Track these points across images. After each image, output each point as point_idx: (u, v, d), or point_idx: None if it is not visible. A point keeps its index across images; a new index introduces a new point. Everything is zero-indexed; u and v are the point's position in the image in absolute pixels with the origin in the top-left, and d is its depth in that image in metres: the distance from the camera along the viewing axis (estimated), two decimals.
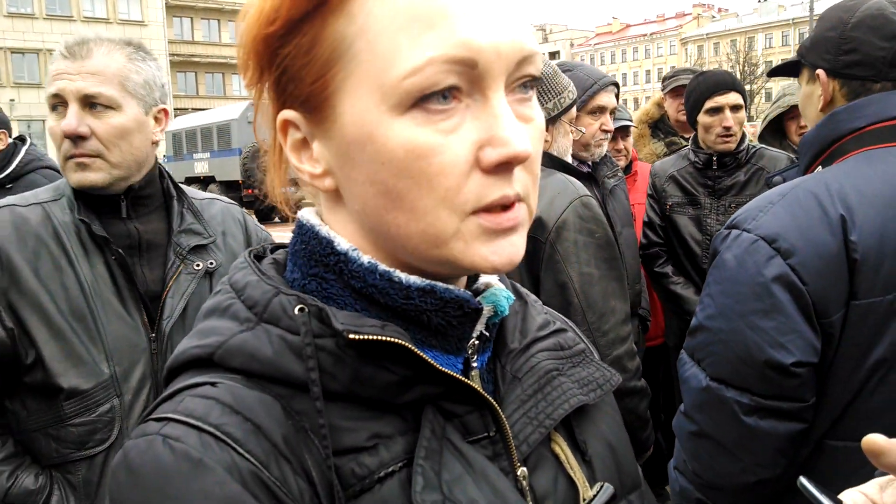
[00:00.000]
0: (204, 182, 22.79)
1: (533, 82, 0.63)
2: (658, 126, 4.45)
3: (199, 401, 0.60)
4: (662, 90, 4.44)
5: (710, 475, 1.50)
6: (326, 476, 0.59)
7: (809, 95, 1.62)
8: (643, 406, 2.21)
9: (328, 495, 0.58)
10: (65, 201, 1.66)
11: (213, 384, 0.61)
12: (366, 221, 0.65)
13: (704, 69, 3.93)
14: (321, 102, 0.62)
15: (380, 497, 0.60)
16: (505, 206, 0.61)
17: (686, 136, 4.38)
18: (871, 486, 0.82)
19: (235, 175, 20.97)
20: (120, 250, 1.63)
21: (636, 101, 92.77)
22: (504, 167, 0.59)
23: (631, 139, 3.73)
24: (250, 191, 16.49)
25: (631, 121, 3.73)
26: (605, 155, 2.70)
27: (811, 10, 31.55)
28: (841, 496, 0.81)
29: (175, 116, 35.36)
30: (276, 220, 20.12)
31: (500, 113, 0.59)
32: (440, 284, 0.65)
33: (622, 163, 3.64)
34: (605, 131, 2.59)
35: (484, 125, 0.59)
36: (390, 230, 0.62)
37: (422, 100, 0.57)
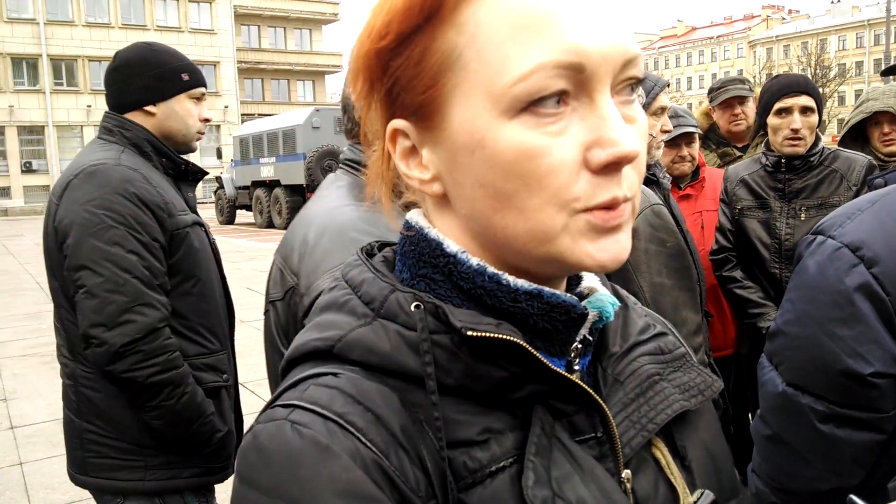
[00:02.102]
0: (269, 186, 23.29)
1: (636, 84, 0.64)
2: (709, 136, 4.34)
3: (324, 390, 0.62)
4: (710, 101, 4.34)
5: (784, 479, 1.48)
6: (440, 467, 0.60)
7: None
8: None
9: (441, 486, 0.60)
10: None
11: (334, 374, 0.64)
12: (473, 224, 0.66)
13: (779, 73, 3.83)
14: (431, 111, 0.63)
15: (491, 491, 0.61)
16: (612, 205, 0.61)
17: (739, 145, 4.28)
18: None
19: (300, 179, 21.33)
20: None
21: (701, 104, 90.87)
22: (613, 167, 0.60)
23: (696, 145, 3.66)
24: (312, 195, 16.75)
25: (696, 127, 3.67)
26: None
27: (888, 10, 30.29)
28: None
29: (242, 122, 36.24)
30: None
31: (608, 114, 0.59)
32: (547, 289, 0.65)
33: (687, 168, 3.58)
34: (665, 132, 2.57)
35: (591, 126, 0.59)
36: (497, 231, 0.63)
37: (532, 104, 0.58)
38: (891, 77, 2.71)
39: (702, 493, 0.71)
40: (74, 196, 1.99)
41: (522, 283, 0.65)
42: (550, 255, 0.62)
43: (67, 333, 2.06)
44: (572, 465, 0.63)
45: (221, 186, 26.40)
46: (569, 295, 0.67)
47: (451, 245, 0.67)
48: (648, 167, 2.63)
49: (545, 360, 0.63)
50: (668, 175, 2.73)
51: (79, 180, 2.01)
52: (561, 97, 0.59)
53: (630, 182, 0.62)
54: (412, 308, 0.64)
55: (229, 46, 43.31)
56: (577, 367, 0.70)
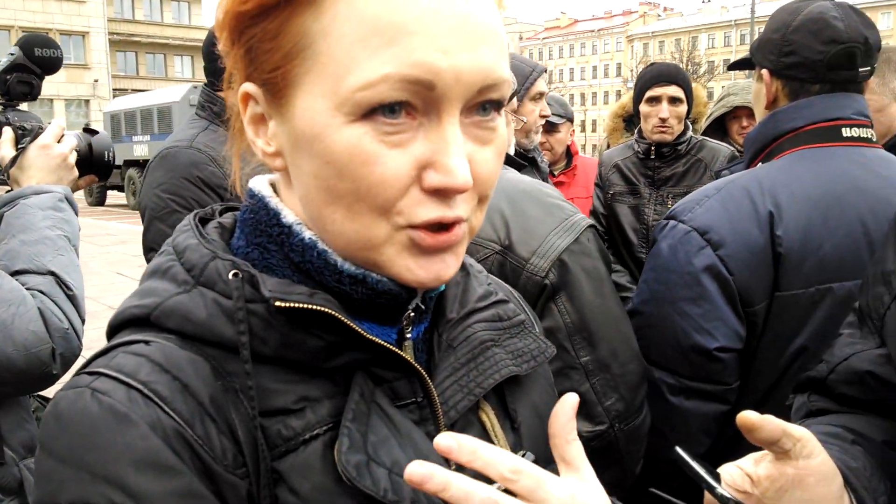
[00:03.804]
0: (143, 165, 22.12)
1: (497, 105, 0.63)
2: (633, 120, 4.48)
3: (131, 358, 0.62)
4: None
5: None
6: (253, 436, 0.61)
7: (758, 93, 1.67)
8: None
9: (253, 455, 0.60)
10: None
11: (146, 342, 0.63)
12: (308, 207, 0.66)
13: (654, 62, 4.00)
14: (279, 89, 0.63)
15: (303, 458, 0.62)
16: (442, 225, 0.62)
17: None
18: (747, 461, 0.87)
19: None
20: None
21: (583, 96, 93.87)
22: (444, 192, 0.60)
23: (560, 135, 3.77)
24: None
25: (562, 117, 3.78)
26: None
27: (752, 12, 32.39)
28: (719, 469, 0.86)
29: (114, 97, 34.30)
30: None
31: (450, 140, 0.59)
32: (373, 275, 0.66)
33: (546, 158, 3.71)
34: (543, 116, 2.64)
35: (432, 147, 0.59)
36: (326, 224, 0.64)
37: (373, 111, 0.58)
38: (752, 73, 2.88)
39: (524, 454, 0.74)
40: (149, 179, 2.11)
41: (349, 266, 0.66)
42: (371, 260, 0.63)
43: None
44: (390, 429, 0.65)
45: None
46: (395, 281, 0.66)
47: (289, 216, 0.67)
48: (528, 151, 2.69)
49: (358, 329, 0.64)
50: (545, 160, 2.80)
51: (155, 163, 2.13)
52: (407, 109, 0.58)
53: (466, 206, 0.63)
54: (230, 276, 0.64)
55: (100, 16, 40.73)
56: (408, 335, 0.72)
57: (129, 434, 0.56)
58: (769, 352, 1.47)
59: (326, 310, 0.62)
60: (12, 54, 1.69)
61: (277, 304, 0.61)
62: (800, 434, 0.84)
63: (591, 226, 1.31)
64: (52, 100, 39.46)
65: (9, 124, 1.64)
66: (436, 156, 0.59)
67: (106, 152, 1.78)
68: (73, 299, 1.43)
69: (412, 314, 0.71)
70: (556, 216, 1.29)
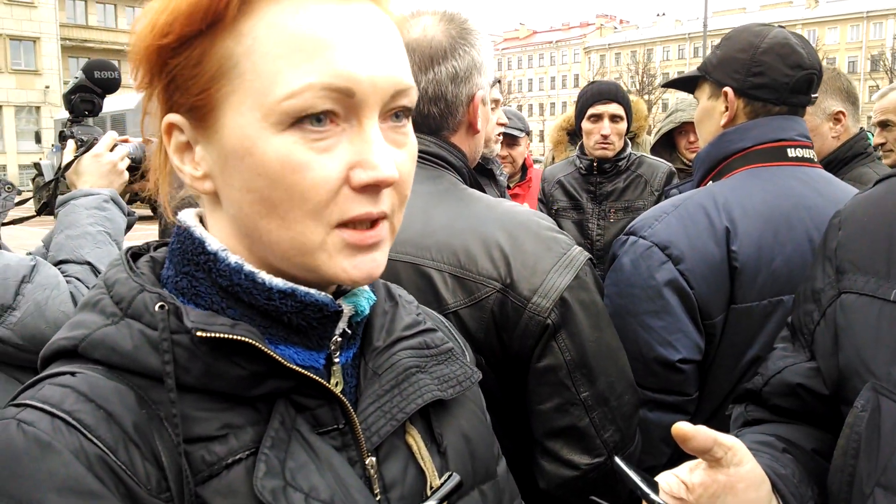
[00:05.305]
0: None
1: (407, 112, 0.70)
2: (577, 133, 4.57)
3: (57, 389, 0.64)
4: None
5: None
6: (177, 462, 0.63)
7: (710, 111, 1.70)
8: None
9: (177, 480, 0.63)
10: None
11: (72, 374, 0.65)
12: (240, 225, 0.69)
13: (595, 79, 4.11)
14: (206, 112, 0.67)
15: (226, 482, 0.64)
16: (371, 223, 0.68)
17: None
18: (683, 469, 0.94)
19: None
20: None
21: (541, 106, 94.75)
22: (372, 188, 0.66)
23: (520, 148, 3.86)
24: None
25: (521, 130, 3.87)
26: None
27: (705, 26, 33.26)
28: (657, 478, 0.92)
29: None
30: None
31: (372, 139, 0.66)
32: (301, 288, 0.70)
33: (507, 170, 3.77)
34: (501, 124, 2.67)
35: (357, 149, 0.65)
36: (262, 235, 0.67)
37: (300, 120, 0.63)
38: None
39: (449, 476, 0.78)
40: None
41: (278, 281, 0.69)
42: (308, 266, 0.68)
43: None
44: (310, 455, 0.68)
45: (41, 173, 24.08)
46: (323, 293, 0.71)
47: (214, 243, 0.70)
48: (487, 162, 2.71)
49: (280, 358, 0.67)
50: (504, 173, 2.83)
51: None
52: (330, 117, 0.64)
53: (390, 203, 0.69)
54: (156, 308, 0.66)
55: (52, 21, 39.83)
56: (336, 360, 0.75)
57: (52, 462, 0.59)
58: (725, 362, 1.54)
59: (246, 339, 0.65)
60: (76, 77, 1.98)
61: (199, 334, 0.64)
62: (730, 443, 0.90)
63: (588, 259, 1.32)
64: (1, 106, 38.41)
65: (72, 137, 1.93)
66: (361, 155, 0.65)
67: None
68: None
69: (339, 339, 0.75)
70: (555, 251, 1.28)
